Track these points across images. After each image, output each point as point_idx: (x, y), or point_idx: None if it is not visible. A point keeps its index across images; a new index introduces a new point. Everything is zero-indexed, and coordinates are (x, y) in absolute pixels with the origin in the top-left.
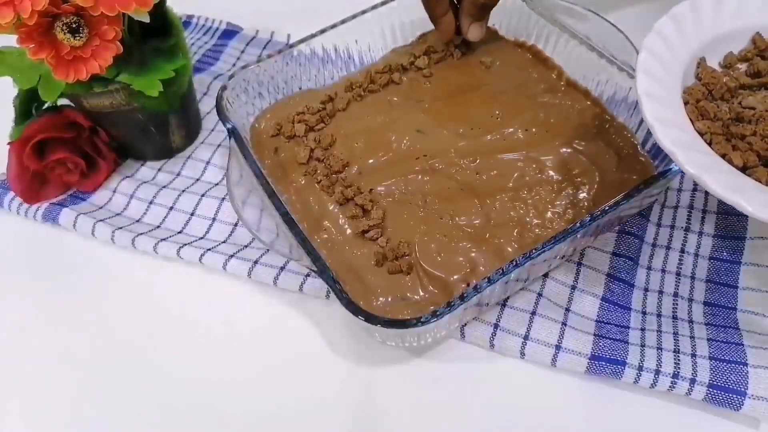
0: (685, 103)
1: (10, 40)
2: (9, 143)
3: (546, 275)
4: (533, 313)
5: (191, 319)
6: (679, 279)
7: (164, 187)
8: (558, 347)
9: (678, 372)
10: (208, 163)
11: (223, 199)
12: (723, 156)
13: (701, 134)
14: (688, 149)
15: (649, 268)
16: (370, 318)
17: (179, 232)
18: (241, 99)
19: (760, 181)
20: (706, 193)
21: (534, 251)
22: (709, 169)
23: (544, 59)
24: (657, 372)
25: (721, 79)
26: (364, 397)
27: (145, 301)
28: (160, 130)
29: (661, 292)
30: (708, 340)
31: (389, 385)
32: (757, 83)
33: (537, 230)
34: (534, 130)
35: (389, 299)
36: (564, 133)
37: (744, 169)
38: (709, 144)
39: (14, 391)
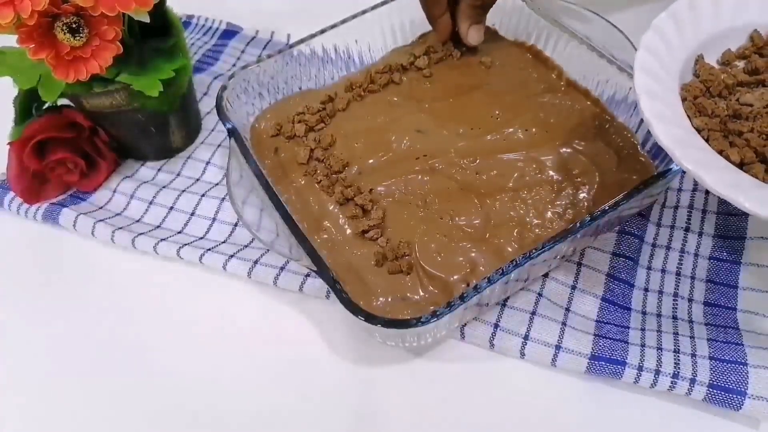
0: (683, 100)
1: (10, 40)
2: (9, 143)
3: (546, 275)
4: (533, 313)
5: (191, 319)
6: (679, 279)
7: (164, 187)
8: (558, 347)
9: (678, 372)
10: (208, 163)
11: (223, 199)
12: (720, 152)
13: (699, 131)
14: (685, 146)
15: (649, 268)
16: (370, 318)
17: (179, 232)
18: (241, 99)
19: (756, 177)
20: (706, 192)
21: (534, 251)
22: (706, 165)
23: (544, 59)
24: (657, 372)
25: (719, 77)
26: (364, 397)
27: (145, 301)
28: (160, 130)
29: (661, 292)
30: (708, 340)
31: (389, 385)
32: (755, 80)
33: (537, 230)
34: (534, 130)
35: (389, 299)
36: (564, 133)
37: (741, 165)
38: (707, 140)
39: (14, 391)
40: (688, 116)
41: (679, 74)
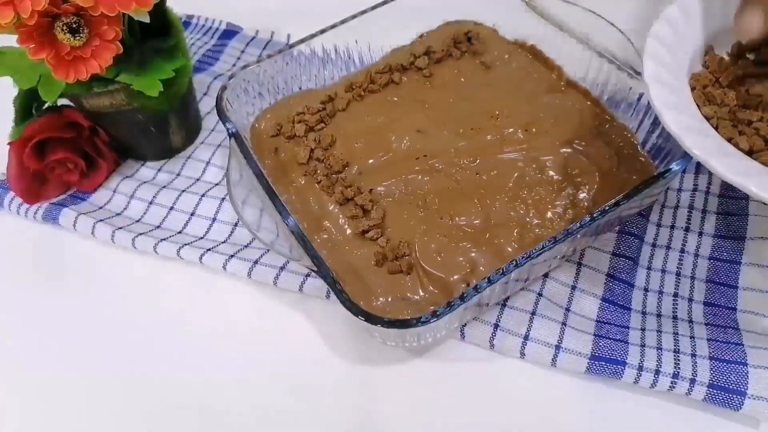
0: (692, 89)
1: (10, 40)
2: (9, 143)
3: (546, 275)
4: (533, 313)
5: (191, 318)
6: (679, 279)
7: (164, 187)
8: (558, 347)
9: (678, 372)
10: (208, 163)
11: (223, 199)
12: (729, 140)
13: (708, 119)
14: (695, 133)
15: (649, 268)
16: (370, 318)
17: (179, 232)
18: (241, 99)
19: (765, 165)
20: (706, 192)
21: (534, 251)
22: (715, 152)
23: (544, 59)
24: (657, 372)
25: (729, 67)
26: (364, 397)
27: (145, 301)
28: (160, 130)
29: (661, 292)
30: (708, 340)
31: (389, 385)
32: (764, 72)
33: (537, 230)
34: (534, 130)
35: (389, 299)
36: (564, 133)
37: (750, 153)
38: (716, 129)
39: (14, 391)
40: (697, 105)
41: (688, 64)
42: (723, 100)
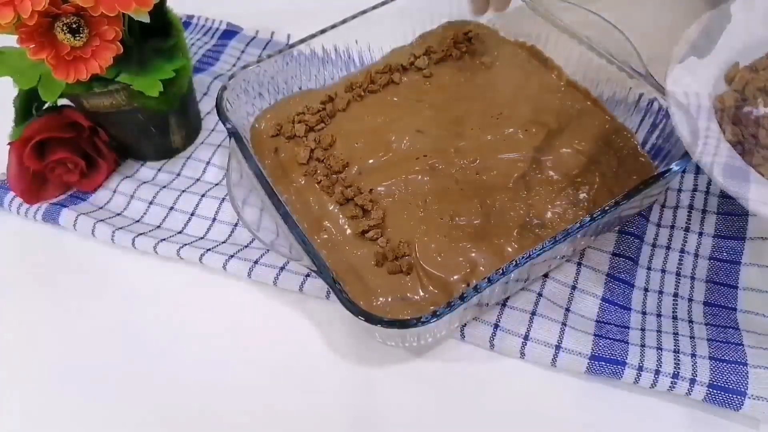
0: (718, 111)
1: (10, 40)
2: (9, 143)
3: (546, 275)
4: (533, 313)
5: (191, 319)
6: (679, 279)
7: (164, 187)
8: (558, 347)
9: (678, 372)
10: (208, 163)
11: (223, 199)
12: (755, 166)
13: (732, 144)
14: (723, 164)
15: (649, 268)
16: (370, 318)
17: (179, 233)
18: (241, 99)
19: (764, 176)
20: (706, 193)
21: (534, 251)
22: (744, 180)
23: (544, 59)
24: (657, 372)
25: (753, 79)
26: (364, 397)
27: (145, 301)
28: (160, 130)
29: (661, 292)
30: (708, 340)
31: (389, 385)
32: None
33: (537, 230)
34: (534, 130)
35: (389, 299)
36: (564, 133)
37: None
38: (741, 155)
39: (14, 391)
40: (722, 129)
41: (713, 84)
42: (746, 123)
